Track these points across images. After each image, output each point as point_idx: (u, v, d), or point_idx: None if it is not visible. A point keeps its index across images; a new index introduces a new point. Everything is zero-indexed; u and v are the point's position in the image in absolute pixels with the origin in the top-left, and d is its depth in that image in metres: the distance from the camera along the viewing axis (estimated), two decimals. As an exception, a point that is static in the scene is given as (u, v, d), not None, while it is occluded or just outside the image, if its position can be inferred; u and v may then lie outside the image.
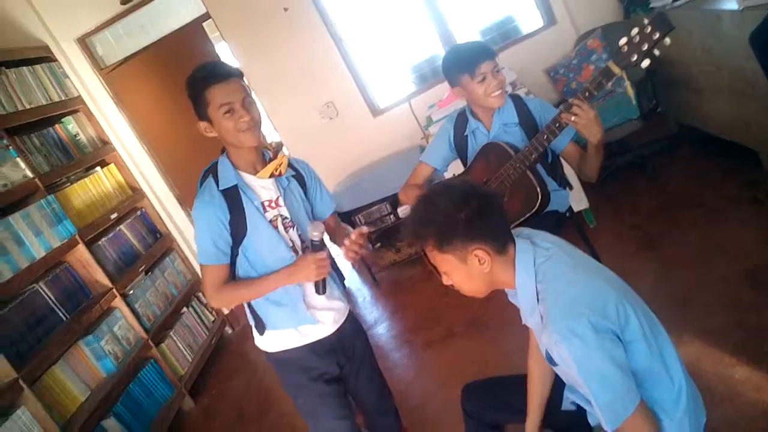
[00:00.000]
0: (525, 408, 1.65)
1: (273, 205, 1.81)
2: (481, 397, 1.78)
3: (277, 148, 1.86)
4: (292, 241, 1.83)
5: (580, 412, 1.53)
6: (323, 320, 1.90)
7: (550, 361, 1.40)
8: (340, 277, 2.06)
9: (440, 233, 1.35)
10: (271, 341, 1.91)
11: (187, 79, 1.72)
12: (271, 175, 1.79)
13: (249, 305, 1.90)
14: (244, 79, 1.77)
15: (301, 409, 1.98)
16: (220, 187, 1.74)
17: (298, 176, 1.91)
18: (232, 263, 1.81)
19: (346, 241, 1.76)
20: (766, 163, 3.04)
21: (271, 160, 1.82)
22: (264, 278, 1.78)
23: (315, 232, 1.72)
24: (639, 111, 3.59)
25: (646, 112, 3.62)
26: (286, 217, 1.83)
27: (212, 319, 4.49)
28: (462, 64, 2.16)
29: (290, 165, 1.88)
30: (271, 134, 5.01)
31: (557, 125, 1.96)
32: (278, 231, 1.80)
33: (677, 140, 4.04)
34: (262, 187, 1.80)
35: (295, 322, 1.86)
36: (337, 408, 1.95)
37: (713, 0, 3.06)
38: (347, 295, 2.08)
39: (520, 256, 1.38)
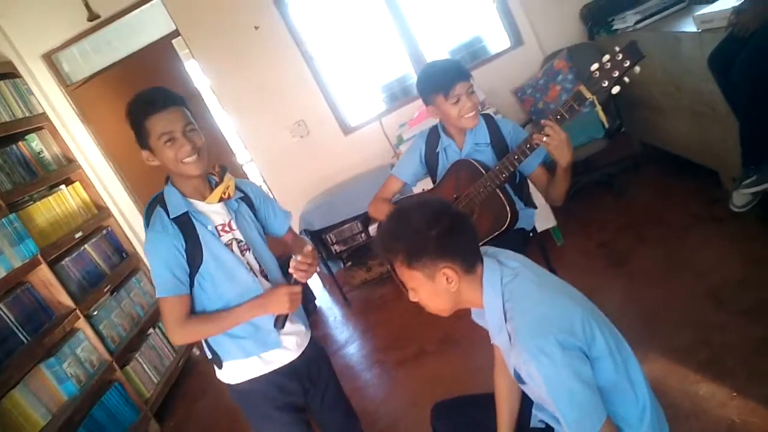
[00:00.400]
0: (495, 426, 1.65)
1: (227, 228, 1.77)
2: (451, 416, 1.77)
3: (222, 171, 1.81)
4: (249, 264, 1.78)
5: (549, 430, 1.53)
6: (287, 345, 1.84)
7: (519, 379, 1.40)
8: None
9: (410, 249, 1.35)
10: (232, 373, 1.83)
11: (127, 108, 1.69)
12: (220, 199, 1.76)
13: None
14: (186, 109, 1.72)
15: None
16: (171, 216, 1.69)
17: (246, 198, 1.88)
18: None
19: (298, 258, 1.73)
20: (725, 183, 3.13)
21: (217, 184, 1.78)
22: (232, 311, 1.72)
23: (298, 257, 1.70)
24: (603, 130, 3.67)
25: (610, 131, 3.71)
26: (240, 240, 1.79)
27: (180, 339, 4.39)
28: (436, 84, 2.16)
29: (237, 187, 1.85)
30: (241, 153, 4.97)
31: (528, 146, 1.99)
32: (236, 255, 1.75)
33: (641, 159, 4.14)
34: (213, 212, 1.76)
35: (258, 349, 1.80)
36: None
37: (673, 22, 3.17)
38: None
39: (488, 275, 1.39)
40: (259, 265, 1.81)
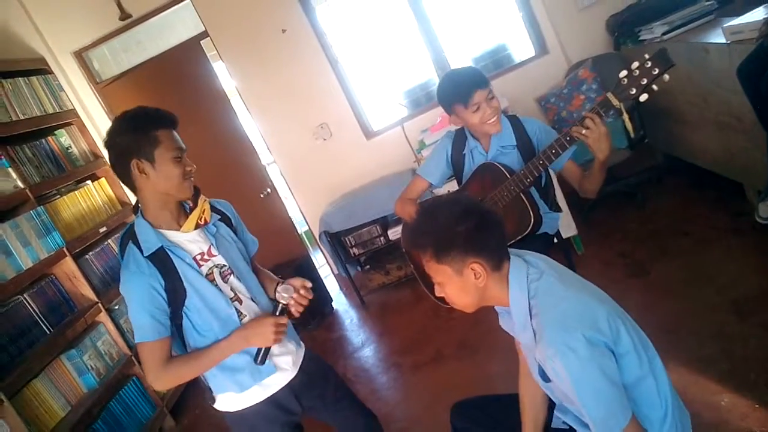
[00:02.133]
0: (515, 428, 1.64)
1: (206, 257, 1.68)
2: (472, 414, 1.77)
3: (195, 194, 1.71)
4: (233, 290, 1.72)
5: (571, 430, 1.53)
6: (283, 366, 1.79)
7: (543, 377, 1.41)
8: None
9: (439, 244, 1.36)
10: (230, 402, 1.77)
11: (132, 114, 1.61)
12: (197, 226, 1.68)
13: None
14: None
15: None
16: (145, 254, 1.59)
17: (224, 218, 1.81)
18: (178, 332, 1.66)
19: (301, 291, 1.72)
20: (750, 195, 3.10)
21: (191, 209, 1.70)
22: (214, 347, 1.63)
23: (285, 294, 1.63)
24: (627, 141, 3.65)
25: (633, 142, 3.69)
26: (223, 266, 1.71)
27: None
28: (455, 94, 2.17)
29: (213, 208, 1.77)
30: (264, 154, 5.02)
31: (553, 151, 1.98)
32: (216, 285, 1.67)
33: (664, 170, 4.11)
34: (189, 241, 1.67)
35: (254, 381, 1.73)
36: None
37: (700, 34, 3.15)
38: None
39: (514, 272, 1.40)
40: (245, 288, 1.75)
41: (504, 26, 4.66)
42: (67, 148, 3.92)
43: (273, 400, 1.78)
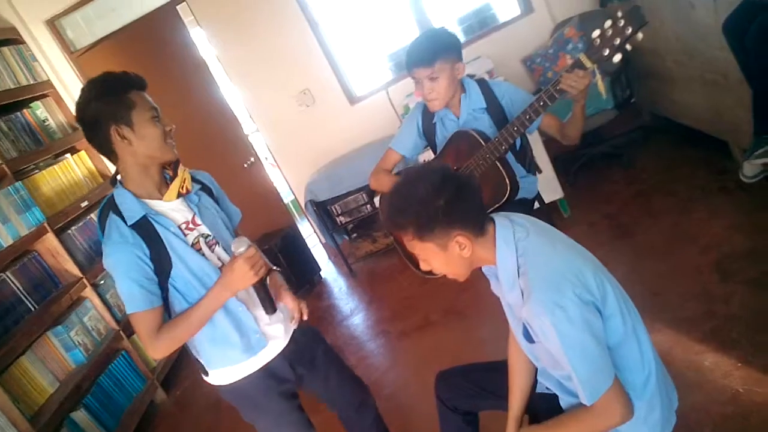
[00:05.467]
0: (499, 394, 1.64)
1: (191, 226, 1.65)
2: (455, 383, 1.77)
3: (175, 165, 1.66)
4: (220, 260, 1.68)
5: (554, 395, 1.53)
6: (275, 334, 1.77)
7: (527, 337, 1.40)
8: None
9: (420, 222, 1.32)
10: (222, 376, 1.76)
11: (100, 80, 1.55)
12: (179, 195, 1.64)
13: (187, 345, 1.72)
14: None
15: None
16: (129, 223, 1.54)
17: (205, 188, 1.77)
18: (164, 302, 1.61)
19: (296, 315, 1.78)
20: (735, 153, 3.09)
21: (172, 179, 1.65)
22: (199, 304, 1.58)
23: (241, 248, 1.54)
24: (613, 101, 3.61)
25: (620, 103, 3.65)
26: (208, 235, 1.68)
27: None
28: (406, 63, 2.16)
29: (193, 178, 1.73)
30: (247, 123, 4.94)
31: (533, 111, 1.93)
32: (203, 254, 1.64)
33: (651, 130, 4.08)
34: (172, 210, 1.64)
35: (246, 355, 1.71)
36: (299, 424, 1.87)
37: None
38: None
39: (500, 231, 1.38)
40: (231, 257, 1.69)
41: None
42: (44, 121, 3.83)
43: (266, 370, 1.76)
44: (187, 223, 1.65)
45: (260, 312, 1.72)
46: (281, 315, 1.82)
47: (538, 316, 1.27)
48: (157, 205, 1.61)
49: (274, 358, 1.78)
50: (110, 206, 1.58)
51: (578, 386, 1.28)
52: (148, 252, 1.54)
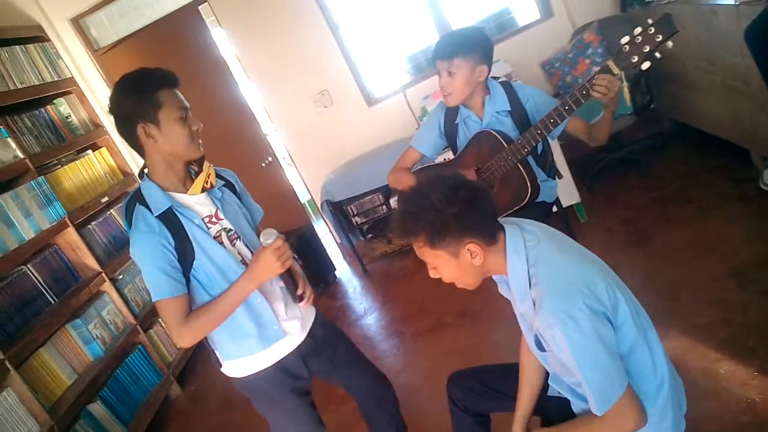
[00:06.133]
0: (511, 396, 1.65)
1: (214, 219, 1.69)
2: (468, 385, 1.77)
3: (200, 160, 1.71)
4: (240, 254, 1.72)
5: (566, 399, 1.53)
6: (291, 330, 1.80)
7: (539, 346, 1.40)
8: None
9: (432, 229, 1.32)
10: (237, 368, 1.79)
11: (132, 77, 1.59)
12: (203, 190, 1.68)
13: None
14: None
15: (274, 427, 1.91)
16: (155, 213, 1.59)
17: (228, 185, 1.81)
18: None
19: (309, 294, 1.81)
20: (756, 161, 3.06)
21: (197, 174, 1.70)
22: (227, 293, 1.62)
23: (269, 240, 1.59)
24: (632, 106, 3.59)
25: (639, 108, 3.63)
26: (230, 230, 1.71)
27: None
28: (432, 57, 2.19)
29: (218, 175, 1.77)
30: (265, 123, 4.97)
31: (558, 115, 1.94)
32: (224, 247, 1.67)
33: (670, 137, 4.05)
34: (197, 203, 1.68)
35: (262, 346, 1.74)
36: (309, 421, 1.89)
37: (709, -5, 3.06)
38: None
39: (511, 241, 1.38)
40: (251, 254, 1.74)
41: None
42: (67, 117, 3.89)
43: (280, 366, 1.79)
44: (210, 216, 1.69)
45: (279, 306, 1.76)
46: (298, 312, 1.84)
47: (550, 327, 1.27)
48: (182, 198, 1.66)
49: (289, 354, 1.80)
50: (137, 198, 1.63)
51: (589, 396, 1.29)
52: (172, 242, 1.58)
